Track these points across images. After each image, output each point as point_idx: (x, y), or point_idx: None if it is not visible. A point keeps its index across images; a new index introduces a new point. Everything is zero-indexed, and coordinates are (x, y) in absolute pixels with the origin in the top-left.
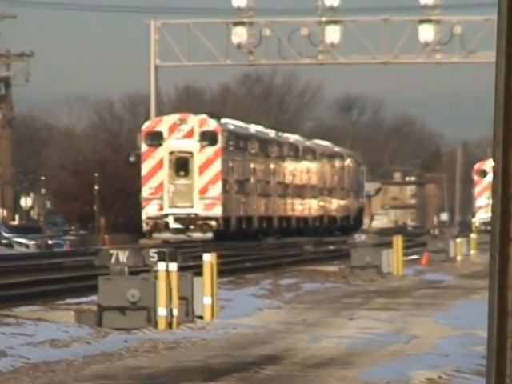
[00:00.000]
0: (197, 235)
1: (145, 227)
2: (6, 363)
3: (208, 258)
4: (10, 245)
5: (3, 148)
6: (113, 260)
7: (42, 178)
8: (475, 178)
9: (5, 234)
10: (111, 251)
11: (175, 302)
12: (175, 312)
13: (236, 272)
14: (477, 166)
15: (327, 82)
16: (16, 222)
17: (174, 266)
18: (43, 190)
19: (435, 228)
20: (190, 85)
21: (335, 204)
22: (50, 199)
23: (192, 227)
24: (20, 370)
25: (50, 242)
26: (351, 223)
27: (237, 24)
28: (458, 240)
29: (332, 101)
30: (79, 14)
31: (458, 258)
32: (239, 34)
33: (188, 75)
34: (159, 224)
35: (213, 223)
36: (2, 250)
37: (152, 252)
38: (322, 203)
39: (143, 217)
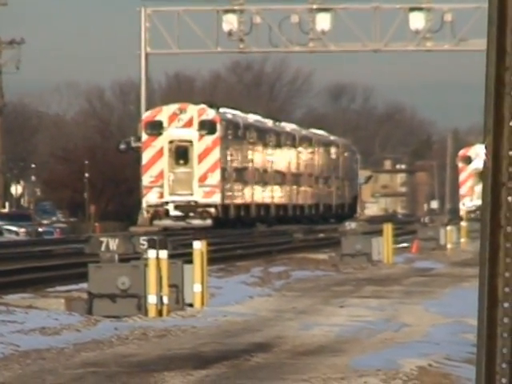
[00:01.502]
0: (196, 222)
1: (145, 214)
2: None
3: (198, 246)
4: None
5: None
6: (103, 247)
7: (33, 165)
8: (460, 164)
9: None
10: (101, 239)
11: (165, 289)
12: (165, 300)
13: (226, 259)
14: (461, 152)
15: (318, 70)
16: (6, 210)
17: (164, 254)
18: (33, 178)
19: (425, 216)
20: (180, 72)
21: (331, 192)
22: (40, 187)
23: (192, 214)
24: (10, 358)
25: (40, 229)
26: (346, 211)
27: (227, 11)
28: (449, 228)
29: (322, 88)
30: (70, 2)
31: (449, 245)
32: (230, 22)
33: (179, 63)
34: (159, 211)
35: (212, 210)
36: None
37: (142, 239)
38: (317, 191)
39: (144, 204)
